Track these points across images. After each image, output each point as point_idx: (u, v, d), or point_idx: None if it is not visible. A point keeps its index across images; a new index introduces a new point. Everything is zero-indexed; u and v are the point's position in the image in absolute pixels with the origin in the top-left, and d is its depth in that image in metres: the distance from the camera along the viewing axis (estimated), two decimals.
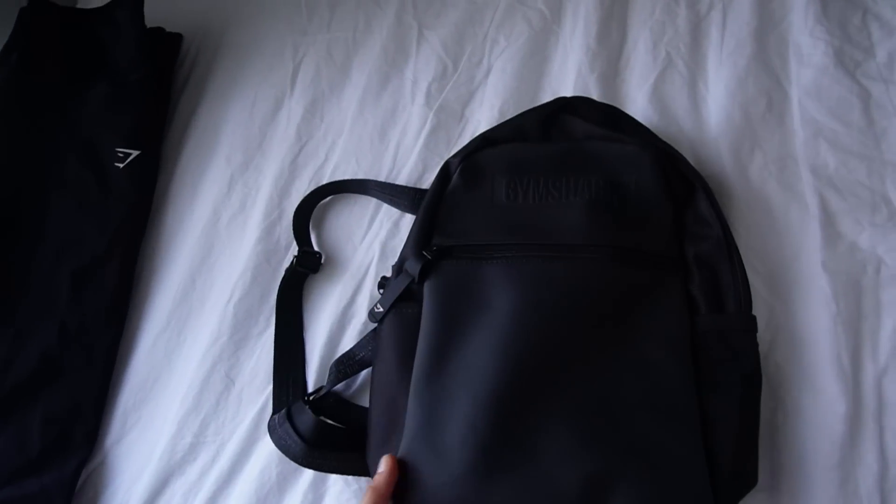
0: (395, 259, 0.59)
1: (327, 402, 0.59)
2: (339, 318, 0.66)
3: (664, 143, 0.58)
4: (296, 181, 0.75)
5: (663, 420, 0.46)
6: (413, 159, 0.72)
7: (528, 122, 0.59)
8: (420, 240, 0.56)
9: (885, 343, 0.52)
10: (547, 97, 0.70)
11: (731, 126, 0.63)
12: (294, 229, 0.69)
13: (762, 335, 0.52)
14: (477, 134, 0.63)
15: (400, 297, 0.56)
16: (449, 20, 0.80)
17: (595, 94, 0.69)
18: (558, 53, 0.74)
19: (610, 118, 0.59)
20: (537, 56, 0.75)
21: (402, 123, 0.75)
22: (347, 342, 0.64)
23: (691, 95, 0.67)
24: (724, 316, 0.50)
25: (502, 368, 0.48)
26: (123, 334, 0.72)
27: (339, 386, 0.60)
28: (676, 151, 0.57)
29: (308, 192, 0.72)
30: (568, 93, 0.68)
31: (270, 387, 0.64)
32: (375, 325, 0.58)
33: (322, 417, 0.57)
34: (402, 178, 0.71)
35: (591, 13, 0.74)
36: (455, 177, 0.57)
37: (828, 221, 0.56)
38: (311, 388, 0.63)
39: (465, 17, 0.80)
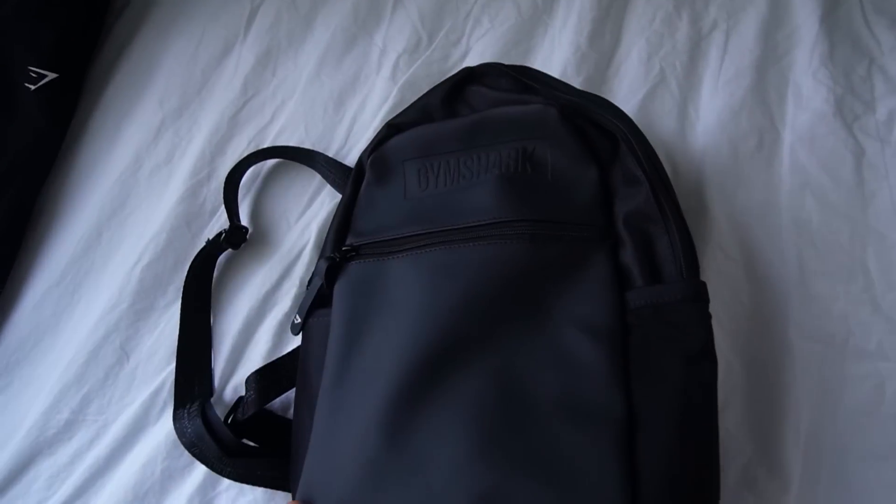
0: None
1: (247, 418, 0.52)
2: (260, 303, 0.57)
3: (578, 92, 0.50)
4: (234, 139, 0.65)
5: (579, 423, 0.37)
6: (368, 136, 0.63)
7: (432, 99, 0.52)
8: (335, 242, 0.50)
9: (843, 419, 0.47)
10: None
11: (717, 159, 0.57)
12: (225, 197, 0.60)
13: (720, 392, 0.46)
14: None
15: (318, 305, 0.49)
16: None
17: None
18: (544, 47, 0.66)
19: (520, 82, 0.50)
20: (521, 46, 0.67)
21: (362, 94, 0.66)
22: (265, 333, 0.56)
23: (680, 119, 0.60)
24: (661, 286, 0.40)
25: (398, 370, 0.41)
26: (7, 282, 0.61)
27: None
28: (595, 98, 0.49)
29: (246, 154, 0.62)
30: None
31: (171, 369, 0.55)
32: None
33: (244, 440, 0.51)
34: (354, 156, 0.63)
35: (585, 10, 0.66)
36: (367, 173, 0.51)
37: (802, 281, 0.51)
38: (217, 381, 0.55)
39: None
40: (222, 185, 0.60)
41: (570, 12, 0.67)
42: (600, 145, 0.46)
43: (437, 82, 0.64)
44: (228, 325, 0.58)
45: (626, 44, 0.65)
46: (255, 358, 0.56)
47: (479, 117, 0.49)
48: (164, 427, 0.53)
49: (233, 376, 0.56)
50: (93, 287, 0.61)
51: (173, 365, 0.55)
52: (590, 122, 0.46)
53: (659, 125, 0.60)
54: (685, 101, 0.62)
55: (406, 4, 0.70)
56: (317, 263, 0.50)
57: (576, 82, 0.62)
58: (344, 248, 0.48)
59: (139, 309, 0.59)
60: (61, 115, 0.67)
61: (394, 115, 0.63)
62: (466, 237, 0.43)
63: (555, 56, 0.65)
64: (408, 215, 0.47)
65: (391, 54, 0.67)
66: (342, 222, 0.50)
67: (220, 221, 0.62)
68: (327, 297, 0.48)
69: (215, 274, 0.59)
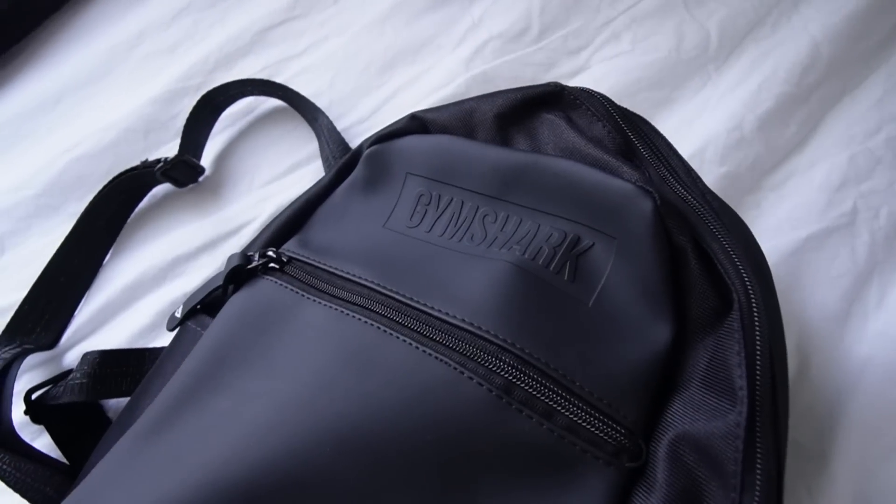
0: None
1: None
2: (166, 266, 0.39)
3: (704, 193, 0.26)
4: (247, 57, 0.47)
5: None
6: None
7: (485, 107, 0.30)
8: (271, 237, 0.33)
9: None
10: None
11: (881, 393, 0.30)
12: (188, 120, 0.42)
13: None
14: None
15: (209, 305, 0.31)
16: None
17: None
18: (690, 104, 0.41)
19: (623, 135, 0.28)
20: (659, 91, 0.42)
21: (421, 67, 0.45)
22: (151, 304, 0.38)
23: (849, 298, 0.34)
24: None
25: (238, 469, 0.21)
26: None
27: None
28: (728, 212, 0.26)
29: (239, 79, 0.43)
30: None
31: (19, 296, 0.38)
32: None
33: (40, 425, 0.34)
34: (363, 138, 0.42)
35: (775, 78, 0.41)
36: (359, 165, 0.32)
37: None
38: (66, 335, 0.38)
39: None
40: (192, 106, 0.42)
41: (750, 73, 0.42)
42: (698, 296, 0.23)
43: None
44: (118, 274, 0.40)
45: (814, 149, 0.39)
46: (123, 330, 0.38)
47: (534, 161, 0.27)
48: None
49: (88, 338, 0.38)
50: (19, 154, 0.45)
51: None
52: (700, 250, 0.24)
53: (810, 292, 0.34)
54: (871, 272, 0.35)
55: None
56: (228, 256, 0.31)
57: (711, 173, 0.37)
58: (269, 253, 0.29)
59: (43, 204, 0.42)
60: None
61: (444, 102, 0.42)
62: (419, 332, 0.24)
63: (699, 123, 0.40)
64: (372, 251, 0.28)
65: (482, 32, 0.45)
66: (297, 215, 0.33)
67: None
68: (219, 304, 0.30)
69: (142, 204, 0.42)
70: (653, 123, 0.42)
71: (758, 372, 0.20)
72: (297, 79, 0.45)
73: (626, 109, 0.28)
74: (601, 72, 0.43)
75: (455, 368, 0.22)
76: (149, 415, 0.26)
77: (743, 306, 0.22)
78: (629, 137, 0.27)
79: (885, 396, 0.32)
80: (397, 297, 0.25)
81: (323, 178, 0.33)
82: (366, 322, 0.24)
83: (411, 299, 0.25)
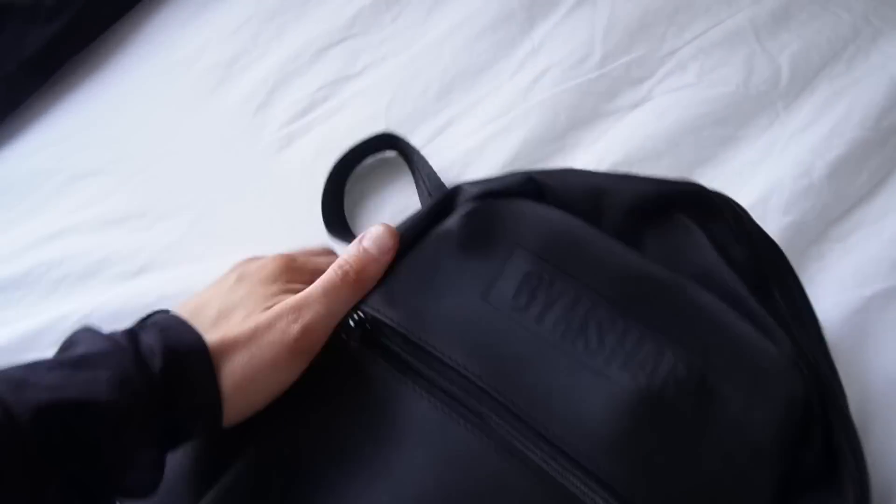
0: None
1: None
2: None
3: (838, 385, 0.26)
4: (305, 76, 0.46)
5: None
6: (456, 152, 0.41)
7: (617, 193, 0.28)
8: None
9: None
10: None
11: None
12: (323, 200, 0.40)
13: None
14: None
15: None
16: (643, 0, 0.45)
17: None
18: (756, 144, 0.40)
19: (758, 261, 0.27)
20: (723, 127, 0.41)
21: (478, 93, 0.44)
22: None
23: None
24: None
25: None
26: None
27: None
28: (846, 410, 0.26)
29: (358, 144, 0.41)
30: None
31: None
32: None
33: None
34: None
35: (850, 121, 0.38)
36: (458, 216, 0.28)
37: None
38: None
39: (666, 5, 0.45)
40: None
41: (822, 114, 0.40)
42: (813, 463, 0.24)
43: (585, 122, 0.42)
44: None
45: (886, 199, 0.37)
46: None
47: (671, 282, 0.26)
48: None
49: None
50: (81, 164, 0.46)
51: (99, 299, 0.39)
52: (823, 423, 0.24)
53: (874, 353, 0.33)
54: None
55: (598, 4, 0.46)
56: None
57: (775, 222, 0.36)
58: (363, 318, 0.26)
59: (108, 220, 0.43)
60: None
61: (507, 140, 0.41)
62: (536, 463, 0.23)
63: (764, 167, 0.38)
64: (473, 330, 0.26)
65: (542, 59, 0.44)
66: None
67: (242, 166, 0.44)
68: None
69: None
70: (717, 162, 0.41)
71: None
72: (353, 101, 0.45)
73: (765, 234, 0.27)
74: (664, 104, 0.42)
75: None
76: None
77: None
78: (766, 278, 0.27)
79: None
80: (512, 408, 0.24)
81: (413, 215, 0.30)
82: (481, 439, 0.23)
83: (528, 416, 0.23)
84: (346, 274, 0.26)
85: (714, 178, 0.40)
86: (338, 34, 0.47)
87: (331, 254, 0.32)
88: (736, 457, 0.23)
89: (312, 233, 0.41)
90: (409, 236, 0.29)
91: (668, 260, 0.27)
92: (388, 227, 0.27)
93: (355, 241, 0.27)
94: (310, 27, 0.48)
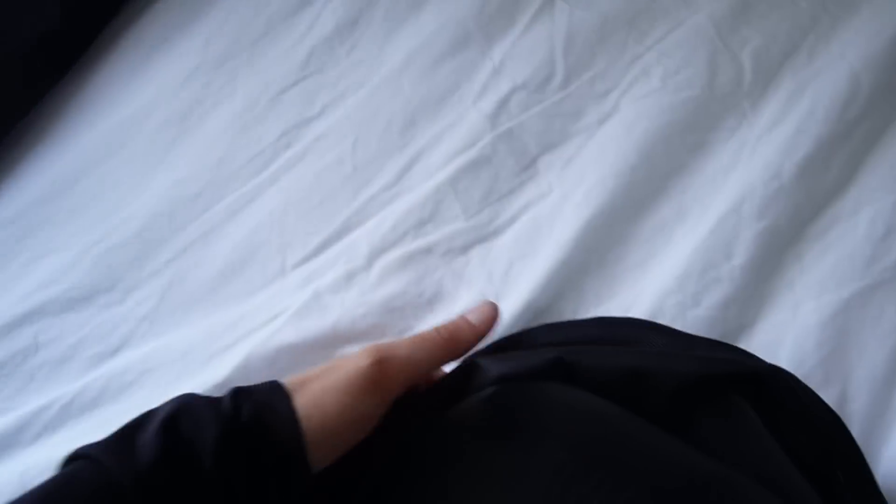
0: None
1: None
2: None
3: None
4: (263, 124, 0.44)
5: None
6: (424, 190, 0.40)
7: (662, 375, 0.25)
8: None
9: None
10: (674, 216, 0.37)
11: None
12: None
13: None
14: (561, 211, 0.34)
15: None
16: (601, 7, 0.44)
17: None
18: (724, 149, 0.39)
19: (821, 448, 0.26)
20: (692, 134, 0.40)
21: (442, 123, 0.42)
22: None
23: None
24: None
25: None
26: None
27: None
28: None
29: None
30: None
31: (76, 386, 0.38)
32: None
33: None
34: (398, 204, 0.41)
35: (814, 118, 0.38)
36: (477, 402, 0.26)
37: None
38: None
39: (625, 11, 0.44)
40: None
41: (787, 110, 0.39)
42: None
43: (553, 145, 0.41)
44: None
45: (858, 192, 0.37)
46: None
47: (725, 479, 0.22)
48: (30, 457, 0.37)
49: None
50: (40, 244, 0.44)
51: (79, 383, 0.38)
52: None
53: (856, 353, 0.33)
54: None
55: (556, 16, 0.44)
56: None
57: (750, 229, 0.36)
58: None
59: (74, 297, 0.42)
60: (87, 20, 0.49)
61: (478, 173, 0.40)
62: None
63: (735, 174, 0.38)
64: None
65: (504, 82, 0.43)
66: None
67: (211, 220, 0.42)
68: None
69: None
70: (690, 170, 0.40)
71: None
72: (317, 144, 0.43)
73: (831, 411, 0.26)
74: (632, 115, 0.41)
75: None
76: None
77: None
78: (830, 457, 0.25)
79: None
80: None
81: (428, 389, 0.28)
82: None
83: None
84: (437, 331, 0.27)
85: (688, 188, 0.40)
86: (293, 75, 0.45)
87: None
88: None
89: (288, 285, 0.40)
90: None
91: (722, 448, 0.24)
92: (491, 303, 0.29)
93: (460, 314, 0.29)
94: (263, 71, 0.46)
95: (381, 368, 0.24)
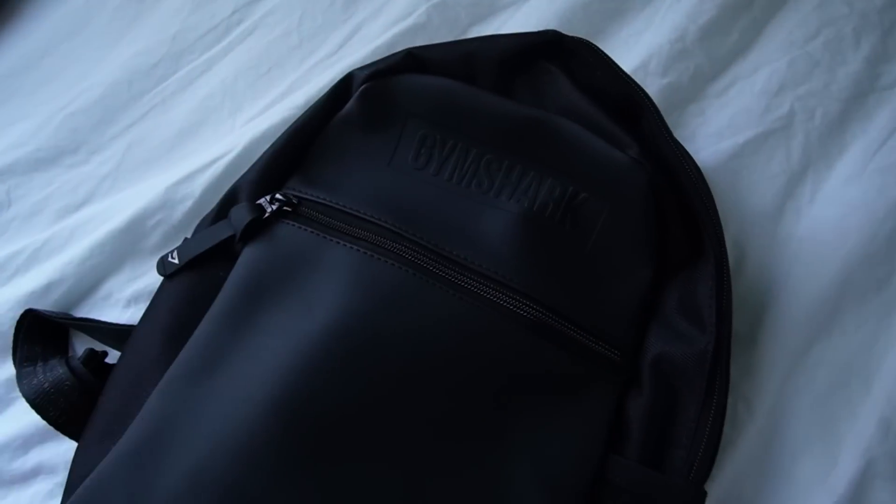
0: None
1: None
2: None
3: (688, 164, 0.30)
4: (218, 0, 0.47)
5: None
6: (364, 54, 0.43)
7: (487, 53, 0.32)
8: (267, 174, 0.32)
9: None
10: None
11: (823, 274, 0.34)
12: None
13: None
14: None
15: (209, 253, 0.31)
16: None
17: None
18: (638, 19, 0.42)
19: (620, 95, 0.31)
20: (608, 3, 0.43)
21: None
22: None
23: (784, 195, 0.36)
24: (656, 476, 0.26)
25: (279, 406, 0.25)
26: None
27: None
28: (701, 184, 0.29)
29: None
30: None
31: (44, 234, 0.41)
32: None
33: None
34: (335, 70, 0.43)
35: None
36: (353, 100, 0.31)
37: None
38: None
39: None
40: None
41: None
42: (673, 244, 0.29)
43: (484, 15, 0.44)
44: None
45: (755, 56, 0.40)
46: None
47: (542, 119, 0.30)
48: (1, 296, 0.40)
49: None
50: (8, 112, 0.47)
51: (48, 232, 0.41)
52: (679, 210, 0.29)
53: (747, 193, 0.37)
54: (804, 171, 0.37)
55: None
56: (229, 193, 0.32)
57: (654, 84, 0.39)
58: (279, 197, 0.30)
59: (41, 158, 0.45)
60: None
61: (413, 40, 0.43)
62: (448, 278, 0.27)
63: (644, 37, 0.41)
64: (382, 192, 0.30)
65: None
66: (290, 146, 0.32)
67: (168, 89, 0.45)
68: (226, 249, 0.31)
69: None
70: (606, 34, 0.43)
71: (724, 311, 0.26)
72: (267, 19, 0.46)
73: (619, 68, 0.32)
74: None
75: (489, 315, 0.26)
76: (188, 355, 0.28)
77: (718, 259, 0.27)
78: (623, 95, 0.31)
79: (813, 283, 0.36)
80: (424, 243, 0.28)
81: (307, 110, 0.33)
82: (398, 267, 0.27)
83: (436, 246, 0.28)
84: None
85: (609, 35, 0.42)
86: None
87: None
88: (614, 255, 0.28)
89: (236, 140, 0.43)
90: (313, 125, 0.32)
91: (536, 101, 0.30)
92: None
93: None
94: None
95: None
